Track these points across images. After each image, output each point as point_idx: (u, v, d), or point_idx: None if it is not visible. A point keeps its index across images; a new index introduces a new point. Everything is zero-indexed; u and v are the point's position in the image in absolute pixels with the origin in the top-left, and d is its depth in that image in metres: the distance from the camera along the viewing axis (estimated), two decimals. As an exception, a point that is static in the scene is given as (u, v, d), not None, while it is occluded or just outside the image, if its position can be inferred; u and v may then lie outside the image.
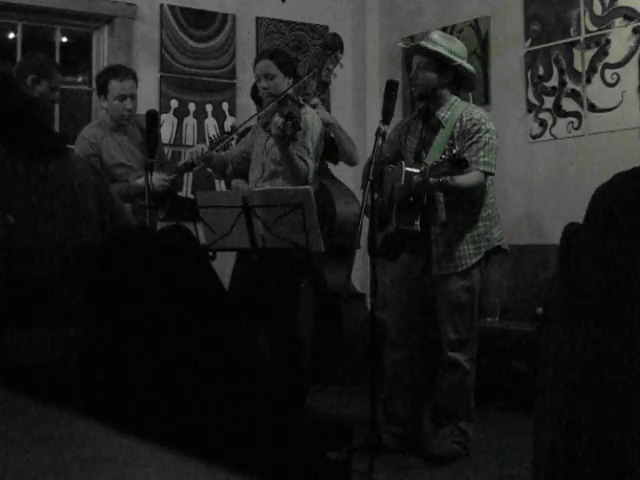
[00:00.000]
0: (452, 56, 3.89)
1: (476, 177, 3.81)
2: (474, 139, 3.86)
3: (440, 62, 3.90)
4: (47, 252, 1.47)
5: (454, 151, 3.51)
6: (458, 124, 3.89)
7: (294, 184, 4.17)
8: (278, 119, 4.02)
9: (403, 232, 3.84)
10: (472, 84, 4.08)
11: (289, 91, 4.34)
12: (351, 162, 5.20)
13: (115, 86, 4.43)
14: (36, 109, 1.79)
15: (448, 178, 3.54)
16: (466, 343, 3.93)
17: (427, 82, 3.91)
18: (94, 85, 5.87)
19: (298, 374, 4.22)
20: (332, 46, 4.86)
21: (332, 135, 4.69)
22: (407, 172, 3.80)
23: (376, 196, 3.77)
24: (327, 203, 5.43)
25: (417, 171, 3.79)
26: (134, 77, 4.52)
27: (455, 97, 3.97)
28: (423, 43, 3.99)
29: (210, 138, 4.87)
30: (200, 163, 4.45)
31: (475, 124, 3.87)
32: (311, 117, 4.32)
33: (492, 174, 3.91)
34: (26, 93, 1.96)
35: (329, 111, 6.53)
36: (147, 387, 1.07)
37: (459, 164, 3.48)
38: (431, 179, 3.59)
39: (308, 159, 4.23)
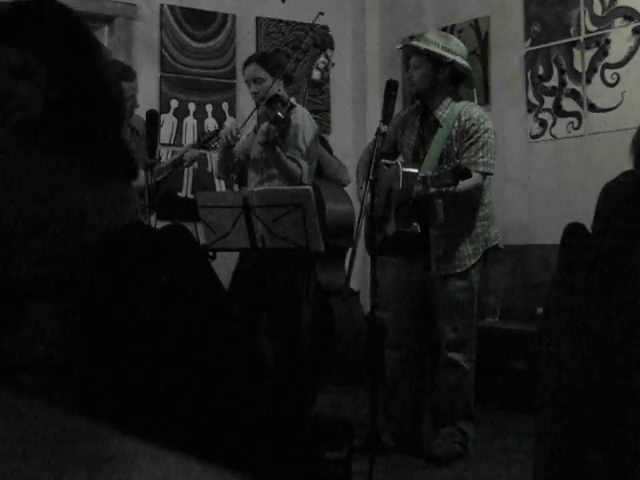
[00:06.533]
0: (445, 53, 3.88)
1: (476, 180, 3.79)
2: (473, 139, 3.85)
3: (434, 60, 3.90)
4: (46, 251, 1.47)
5: (458, 161, 3.50)
6: (457, 123, 3.88)
7: (289, 186, 4.18)
8: (263, 125, 4.05)
9: (403, 233, 3.84)
10: (470, 81, 4.07)
11: (280, 92, 4.32)
12: (341, 185, 5.22)
13: (126, 87, 4.49)
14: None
15: (451, 189, 3.53)
16: (465, 343, 3.93)
17: (422, 81, 3.91)
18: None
19: (302, 374, 4.22)
20: (321, 44, 4.85)
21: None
22: (405, 173, 3.80)
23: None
24: (317, 202, 5.43)
25: (415, 171, 3.80)
26: (136, 76, 4.65)
27: (452, 97, 3.97)
28: (414, 42, 4.00)
29: (199, 137, 4.86)
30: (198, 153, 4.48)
31: (474, 124, 3.86)
32: (302, 118, 4.31)
33: (491, 174, 3.91)
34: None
35: (329, 111, 6.54)
36: (146, 387, 1.07)
37: (462, 175, 3.46)
38: (432, 189, 3.58)
39: (301, 160, 4.23)
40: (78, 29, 1.52)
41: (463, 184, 3.66)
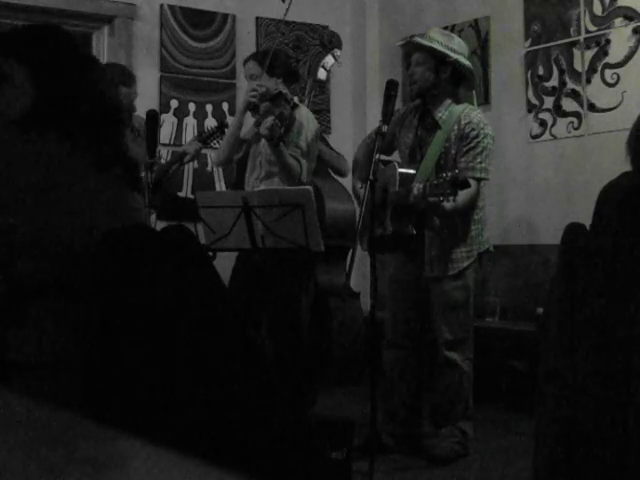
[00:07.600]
0: (448, 51, 3.86)
1: (472, 190, 3.74)
2: (472, 144, 3.83)
3: (436, 58, 3.88)
4: (48, 252, 1.47)
5: (457, 172, 3.49)
6: (456, 127, 3.87)
7: (288, 184, 4.19)
8: (268, 120, 4.05)
9: (399, 234, 3.84)
10: (471, 81, 4.04)
11: (283, 90, 4.34)
12: (341, 175, 5.24)
13: (124, 92, 4.50)
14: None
15: (451, 200, 3.51)
16: (462, 343, 3.93)
17: (424, 78, 3.89)
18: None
19: (302, 373, 4.22)
20: (329, 44, 4.87)
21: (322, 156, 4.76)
22: (401, 174, 3.80)
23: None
24: (316, 201, 5.43)
25: (412, 172, 3.79)
26: (135, 82, 4.68)
27: (452, 98, 3.95)
28: (418, 39, 3.97)
29: (200, 133, 4.87)
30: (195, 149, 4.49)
31: (474, 129, 3.84)
32: (305, 117, 4.32)
33: (487, 179, 3.90)
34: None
35: (329, 111, 6.54)
36: (147, 386, 1.07)
37: (461, 186, 3.45)
38: (430, 198, 3.57)
39: (301, 159, 4.24)
40: (67, 42, 1.64)
41: (461, 195, 3.62)
